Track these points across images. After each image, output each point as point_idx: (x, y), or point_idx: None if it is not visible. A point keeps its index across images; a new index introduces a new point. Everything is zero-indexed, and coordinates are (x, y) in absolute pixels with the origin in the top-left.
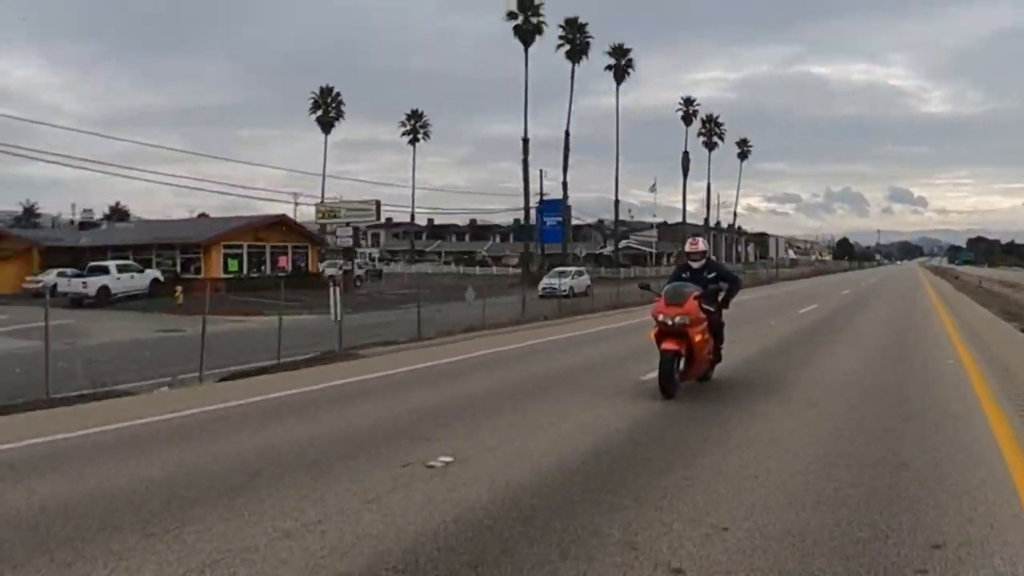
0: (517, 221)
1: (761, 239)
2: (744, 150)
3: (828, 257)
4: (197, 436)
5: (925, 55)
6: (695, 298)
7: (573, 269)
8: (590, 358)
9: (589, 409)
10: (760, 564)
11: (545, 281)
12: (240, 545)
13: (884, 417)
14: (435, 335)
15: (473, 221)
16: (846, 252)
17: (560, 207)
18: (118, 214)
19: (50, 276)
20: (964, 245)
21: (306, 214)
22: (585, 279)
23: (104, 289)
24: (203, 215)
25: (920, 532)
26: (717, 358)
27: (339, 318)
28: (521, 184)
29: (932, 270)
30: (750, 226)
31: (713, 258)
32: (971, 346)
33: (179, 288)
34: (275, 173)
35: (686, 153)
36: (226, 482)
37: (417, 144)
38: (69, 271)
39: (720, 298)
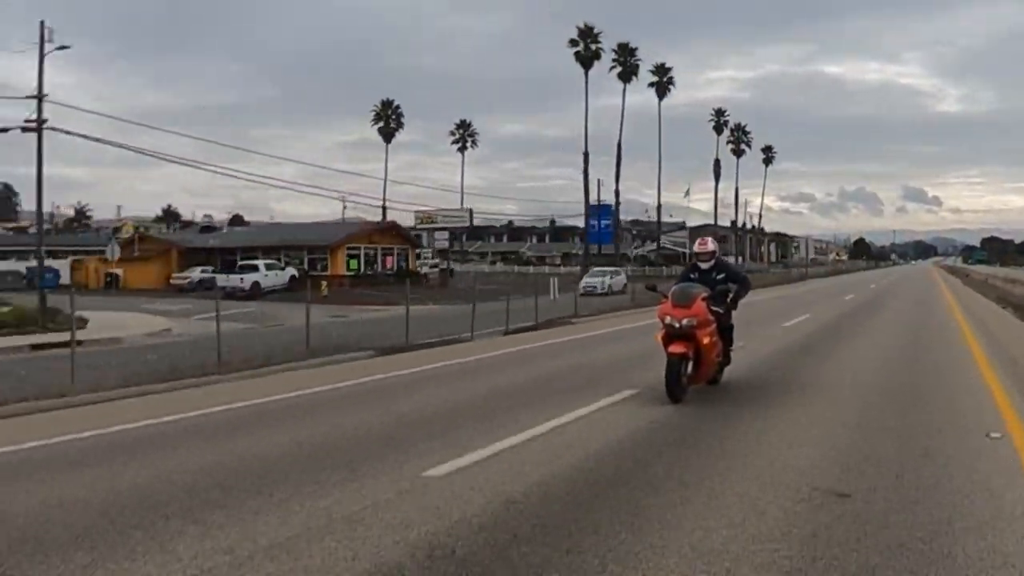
0: (553, 222)
1: (782, 239)
2: (768, 156)
3: (844, 256)
4: (559, 354)
5: (938, 54)
6: (703, 299)
7: (611, 269)
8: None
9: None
10: None
11: (586, 280)
12: None
13: (906, 411)
14: (586, 314)
15: (510, 222)
16: (863, 252)
17: (610, 212)
18: (238, 220)
19: (194, 273)
20: (978, 244)
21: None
22: (622, 278)
23: (256, 284)
24: (319, 222)
25: None
26: (726, 361)
27: (555, 298)
28: (531, 184)
29: (946, 269)
30: (764, 225)
31: (723, 258)
32: (967, 316)
33: (324, 283)
34: (287, 172)
35: (717, 160)
36: (588, 374)
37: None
38: (208, 268)
39: (729, 299)
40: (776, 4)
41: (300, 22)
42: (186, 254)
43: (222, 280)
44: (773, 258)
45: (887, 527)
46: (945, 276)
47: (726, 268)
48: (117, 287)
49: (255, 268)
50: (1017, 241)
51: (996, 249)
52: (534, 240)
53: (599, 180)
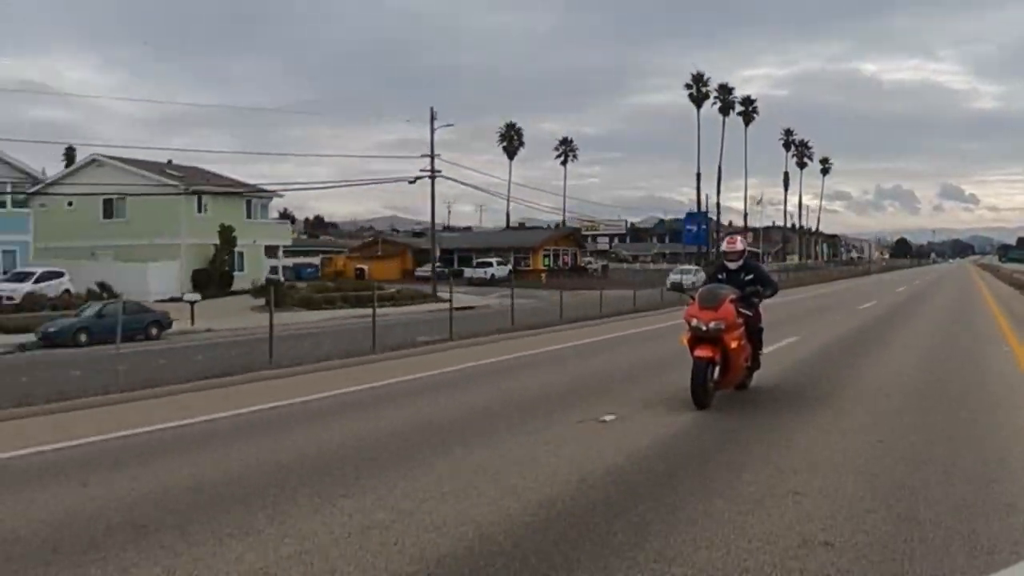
0: (662, 222)
1: (832, 240)
2: (825, 167)
3: (887, 256)
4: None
5: (975, 50)
6: (731, 301)
7: (693, 267)
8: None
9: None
10: None
11: (672, 276)
12: None
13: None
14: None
15: (633, 225)
16: (905, 251)
17: (706, 218)
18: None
19: (426, 268)
20: (1014, 243)
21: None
22: (702, 275)
23: (492, 276)
24: (513, 229)
25: None
26: (755, 365)
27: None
28: (571, 183)
29: (981, 267)
30: (811, 225)
31: (752, 259)
32: (991, 293)
33: (543, 273)
34: (321, 172)
35: (787, 173)
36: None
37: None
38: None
39: (756, 300)
40: (812, 3)
41: (344, 22)
42: (416, 254)
43: (469, 272)
44: (825, 257)
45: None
46: (980, 272)
47: (755, 269)
48: (364, 279)
49: (490, 264)
50: None
51: None
52: (655, 240)
53: (707, 195)
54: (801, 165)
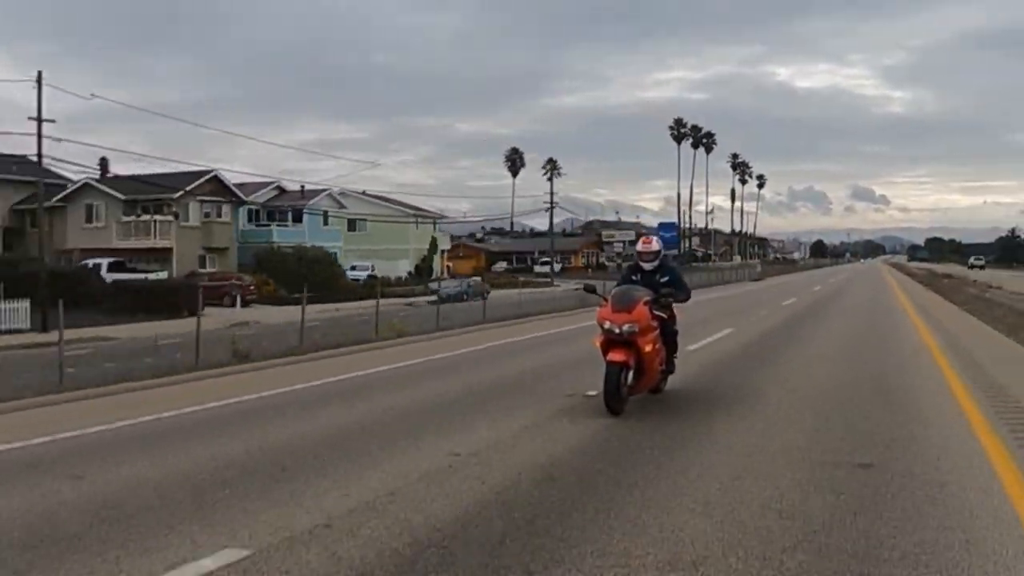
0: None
1: (763, 242)
2: (760, 182)
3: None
4: None
5: (886, 56)
6: (645, 303)
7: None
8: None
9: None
10: None
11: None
12: None
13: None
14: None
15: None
16: (822, 251)
17: (675, 226)
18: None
19: (500, 265)
20: (923, 243)
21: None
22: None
23: (552, 270)
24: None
25: None
26: (670, 369)
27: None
28: (484, 183)
29: (891, 265)
30: (716, 225)
31: (668, 260)
32: (894, 277)
33: (589, 269)
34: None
35: (732, 190)
36: None
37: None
38: (502, 263)
39: (670, 302)
40: (726, 6)
41: (261, 22)
42: (488, 255)
43: (537, 268)
44: (751, 257)
45: None
46: (890, 269)
47: (671, 272)
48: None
49: (548, 262)
50: (964, 238)
51: (937, 248)
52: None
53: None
54: (743, 181)
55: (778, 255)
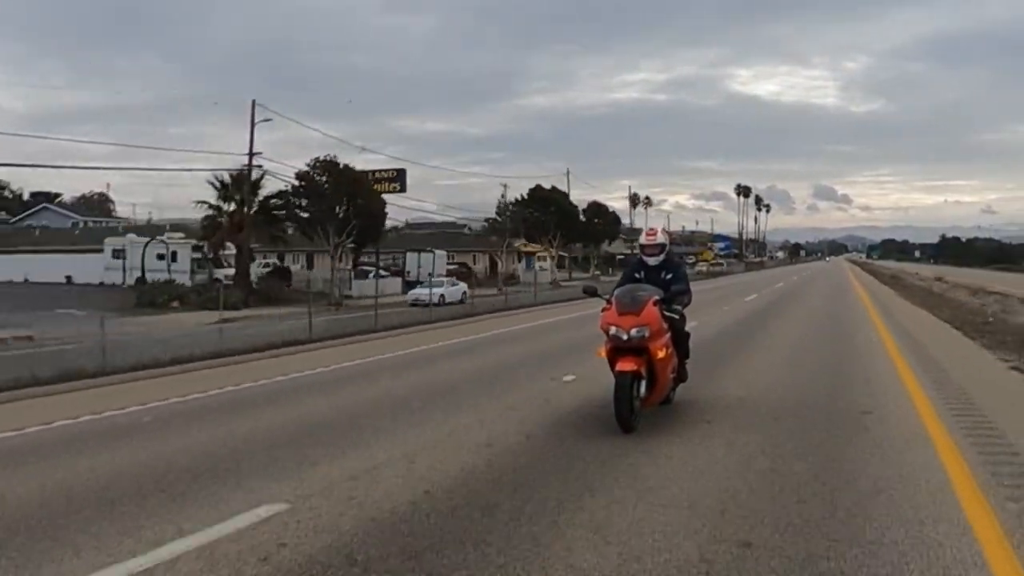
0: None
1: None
2: (760, 206)
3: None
4: None
5: (848, 57)
6: (655, 303)
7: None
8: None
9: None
10: None
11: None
12: None
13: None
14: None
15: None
16: (798, 250)
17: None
18: None
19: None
20: (881, 243)
21: None
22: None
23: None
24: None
25: None
26: (682, 376)
27: None
28: (452, 182)
29: (852, 262)
30: (679, 224)
31: (673, 254)
32: (853, 273)
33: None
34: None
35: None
36: None
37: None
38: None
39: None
40: (690, 10)
41: (232, 21)
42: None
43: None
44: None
45: None
46: (851, 266)
47: (675, 269)
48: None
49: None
50: (917, 240)
51: (893, 248)
52: None
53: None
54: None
55: (769, 255)
